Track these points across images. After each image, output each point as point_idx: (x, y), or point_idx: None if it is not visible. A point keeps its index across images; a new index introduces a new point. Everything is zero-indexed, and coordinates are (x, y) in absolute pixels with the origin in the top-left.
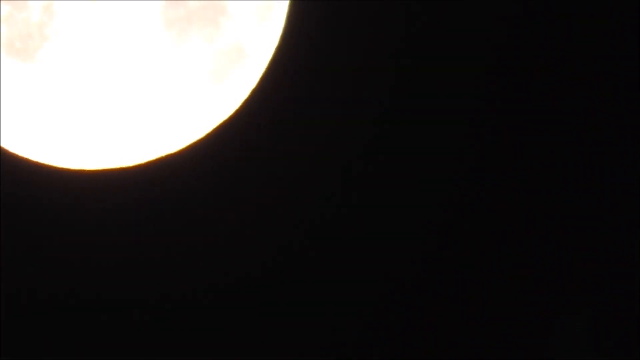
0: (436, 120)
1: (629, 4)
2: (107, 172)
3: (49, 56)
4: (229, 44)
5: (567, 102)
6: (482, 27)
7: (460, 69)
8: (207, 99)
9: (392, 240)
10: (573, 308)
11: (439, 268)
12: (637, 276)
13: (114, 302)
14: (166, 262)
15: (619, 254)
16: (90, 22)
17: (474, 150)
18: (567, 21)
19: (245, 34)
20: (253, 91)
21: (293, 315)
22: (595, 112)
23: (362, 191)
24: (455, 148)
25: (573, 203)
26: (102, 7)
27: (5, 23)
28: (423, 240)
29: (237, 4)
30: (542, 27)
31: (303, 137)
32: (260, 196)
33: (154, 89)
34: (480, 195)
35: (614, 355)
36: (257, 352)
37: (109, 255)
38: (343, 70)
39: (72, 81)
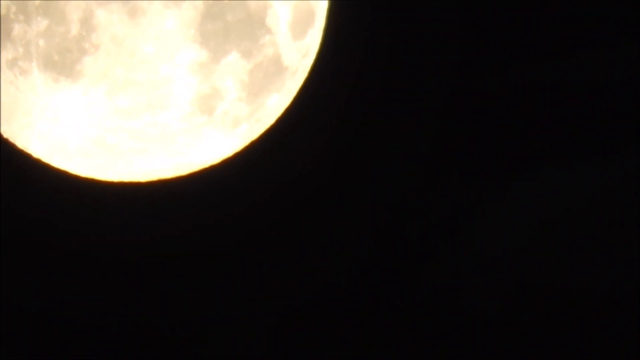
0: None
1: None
2: (139, 186)
3: (87, 70)
4: (266, 58)
5: None
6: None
7: (504, 66)
8: (244, 113)
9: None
10: None
11: None
12: None
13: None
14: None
15: None
16: (127, 36)
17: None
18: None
19: (283, 47)
20: (291, 105)
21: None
22: None
23: (402, 203)
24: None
25: None
26: (139, 22)
27: (44, 36)
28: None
29: (275, 17)
30: None
31: (341, 151)
32: (298, 207)
33: (190, 103)
34: None
35: None
36: None
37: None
38: (382, 84)
39: (108, 94)
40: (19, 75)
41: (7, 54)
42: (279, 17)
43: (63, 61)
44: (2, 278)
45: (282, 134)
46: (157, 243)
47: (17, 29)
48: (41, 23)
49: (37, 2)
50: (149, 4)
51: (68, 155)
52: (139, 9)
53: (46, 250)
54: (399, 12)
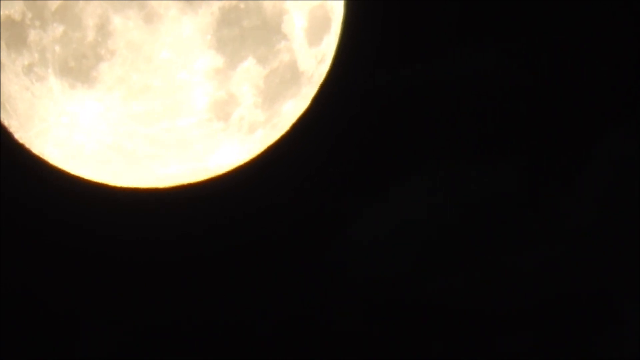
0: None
1: None
2: (155, 192)
3: (103, 76)
4: (282, 64)
5: None
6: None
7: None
8: (260, 119)
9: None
10: None
11: None
12: None
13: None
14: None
15: None
16: (143, 42)
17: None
18: None
19: (299, 53)
20: (307, 111)
21: None
22: None
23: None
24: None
25: None
26: (155, 28)
27: (60, 42)
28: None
29: (291, 24)
30: None
31: (355, 156)
32: (315, 211)
33: (206, 109)
34: None
35: None
36: None
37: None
38: (397, 89)
39: (124, 100)
40: (35, 82)
41: (23, 60)
42: (295, 23)
43: (79, 67)
44: (12, 278)
45: (298, 140)
46: (172, 247)
47: (33, 35)
48: (57, 29)
49: (54, 7)
50: (166, 10)
51: (84, 161)
52: (155, 14)
53: (59, 254)
54: (413, 18)
